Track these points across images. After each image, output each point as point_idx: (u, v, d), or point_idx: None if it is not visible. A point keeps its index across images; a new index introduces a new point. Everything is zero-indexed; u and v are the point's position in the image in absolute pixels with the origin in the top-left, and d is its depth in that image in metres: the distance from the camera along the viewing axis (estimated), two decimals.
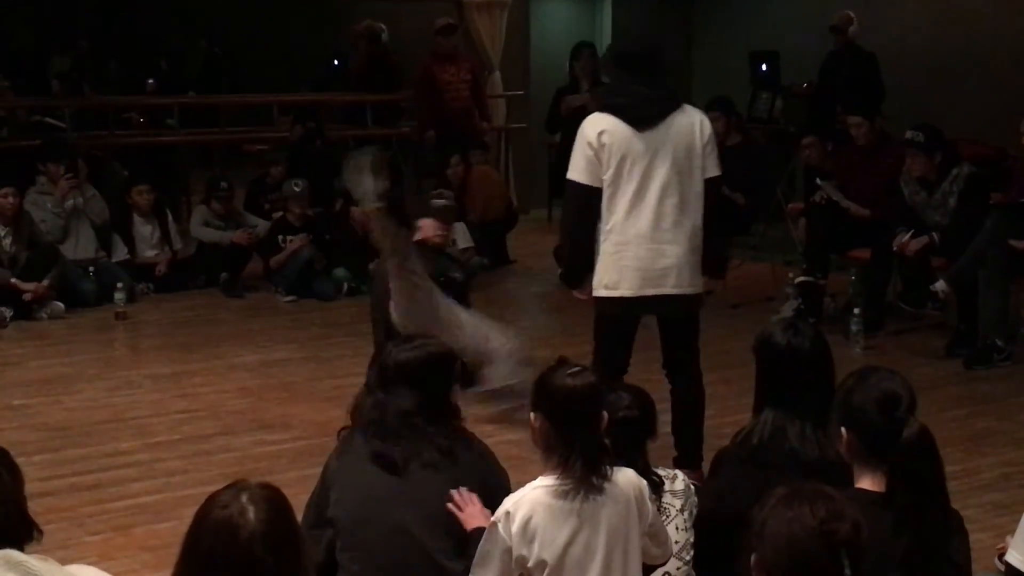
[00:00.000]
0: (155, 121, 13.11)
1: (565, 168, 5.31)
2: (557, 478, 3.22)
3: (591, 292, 5.36)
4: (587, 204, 5.23)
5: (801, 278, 8.57)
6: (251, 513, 2.33)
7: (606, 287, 5.28)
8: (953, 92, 11.74)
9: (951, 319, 8.12)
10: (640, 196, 5.17)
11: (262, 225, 9.99)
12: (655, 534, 3.41)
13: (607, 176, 5.17)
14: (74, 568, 2.66)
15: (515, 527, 3.18)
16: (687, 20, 15.01)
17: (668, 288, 5.22)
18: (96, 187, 9.83)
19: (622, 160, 5.15)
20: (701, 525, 3.76)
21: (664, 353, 5.49)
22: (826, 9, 11.70)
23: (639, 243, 5.18)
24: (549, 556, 3.19)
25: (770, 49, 12.68)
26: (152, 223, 9.84)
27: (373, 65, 13.16)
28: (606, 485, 3.23)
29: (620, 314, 5.33)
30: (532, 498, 3.21)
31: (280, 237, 9.73)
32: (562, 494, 3.19)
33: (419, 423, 3.60)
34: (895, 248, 8.08)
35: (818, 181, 8.88)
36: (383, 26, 13.27)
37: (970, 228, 7.66)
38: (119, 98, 12.80)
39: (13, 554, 2.51)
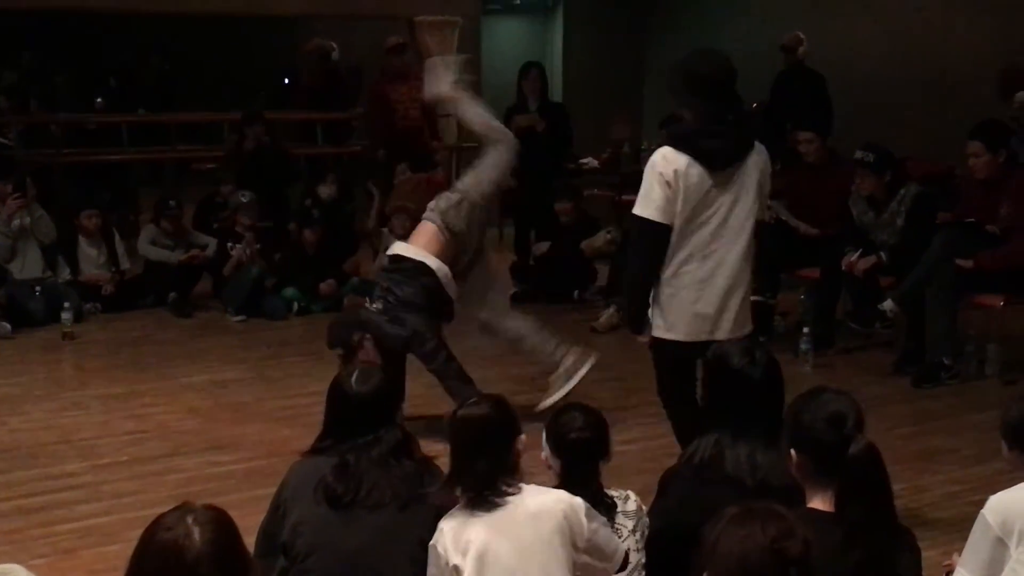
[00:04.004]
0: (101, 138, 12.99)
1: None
2: (462, 495, 3.43)
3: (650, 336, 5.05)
4: (660, 244, 4.87)
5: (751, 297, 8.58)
6: (196, 535, 2.31)
7: (663, 328, 4.97)
8: (901, 112, 11.86)
9: (899, 337, 8.18)
10: (710, 242, 4.89)
11: (211, 245, 9.92)
12: (595, 550, 3.43)
13: (679, 217, 4.84)
14: None
15: (448, 540, 3.33)
16: (639, 40, 15.07)
17: (721, 334, 4.87)
18: (44, 207, 9.73)
19: (697, 205, 4.83)
20: (652, 545, 3.76)
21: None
22: (776, 30, 11.78)
23: (700, 288, 4.90)
24: (470, 566, 3.28)
25: None
26: (99, 246, 9.75)
27: (324, 83, 13.14)
28: (514, 500, 3.36)
29: (679, 355, 5.00)
30: (454, 512, 3.41)
31: (228, 244, 9.68)
32: (469, 506, 3.38)
33: (389, 460, 3.64)
34: (844, 267, 8.13)
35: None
36: (334, 44, 13.26)
37: (918, 247, 7.71)
38: (66, 115, 12.67)
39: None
